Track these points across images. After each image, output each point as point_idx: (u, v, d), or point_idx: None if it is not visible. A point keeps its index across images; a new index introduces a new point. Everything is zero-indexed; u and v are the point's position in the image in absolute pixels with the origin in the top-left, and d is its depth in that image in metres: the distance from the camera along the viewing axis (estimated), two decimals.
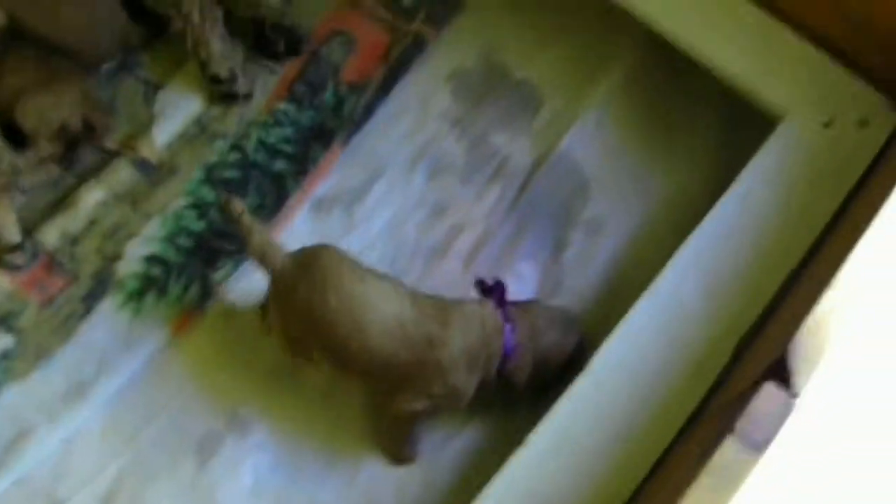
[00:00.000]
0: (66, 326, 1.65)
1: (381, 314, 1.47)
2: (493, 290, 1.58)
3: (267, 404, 1.63)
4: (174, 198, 1.73)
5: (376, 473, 1.59)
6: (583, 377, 1.44)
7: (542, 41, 1.88)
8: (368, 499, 1.59)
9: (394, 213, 1.76)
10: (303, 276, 1.49)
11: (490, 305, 1.56)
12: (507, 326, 1.53)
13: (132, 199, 1.74)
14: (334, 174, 1.78)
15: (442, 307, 1.53)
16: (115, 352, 1.65)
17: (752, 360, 1.35)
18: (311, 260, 1.51)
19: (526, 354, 1.53)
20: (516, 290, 1.66)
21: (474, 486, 1.41)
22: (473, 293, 1.61)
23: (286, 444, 1.61)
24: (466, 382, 1.52)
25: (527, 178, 1.79)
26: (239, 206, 1.54)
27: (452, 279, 1.71)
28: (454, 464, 1.60)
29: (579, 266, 1.73)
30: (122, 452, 1.60)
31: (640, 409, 1.41)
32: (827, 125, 1.59)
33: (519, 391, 1.57)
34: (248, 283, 1.69)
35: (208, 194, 1.73)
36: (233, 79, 1.78)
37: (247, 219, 1.53)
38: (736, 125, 1.75)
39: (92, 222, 1.72)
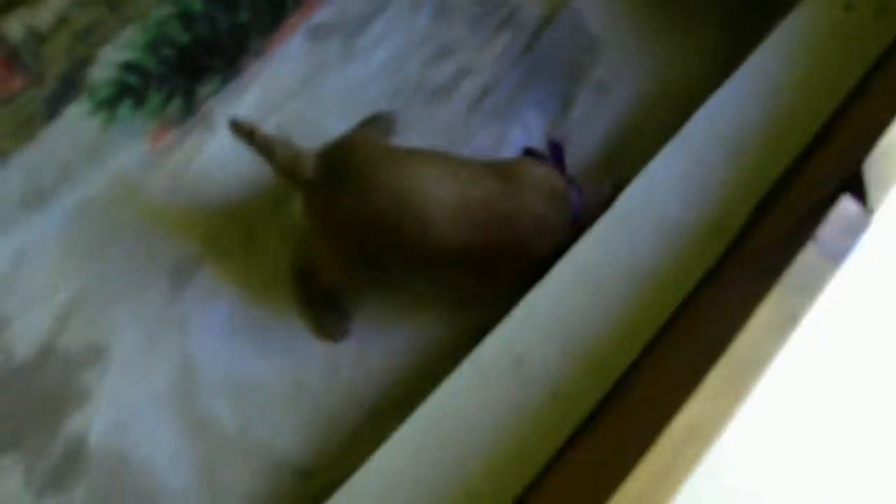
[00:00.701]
0: (27, 128, 1.45)
1: (439, 202, 1.31)
2: (551, 151, 1.49)
3: (248, 234, 1.49)
4: (157, 4, 1.53)
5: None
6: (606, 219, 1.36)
7: None
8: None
9: (396, 48, 1.63)
10: (339, 183, 1.31)
11: (551, 168, 1.46)
12: (574, 191, 1.44)
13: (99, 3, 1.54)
14: (334, 3, 1.64)
15: (507, 176, 1.38)
16: (81, 161, 1.47)
17: (815, 171, 1.30)
18: (343, 160, 1.32)
19: (585, 223, 1.43)
20: (523, 140, 1.59)
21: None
22: (479, 137, 1.51)
23: (262, 275, 1.48)
24: (547, 252, 1.39)
25: (536, 30, 1.70)
26: (246, 126, 1.34)
27: (454, 121, 1.60)
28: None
29: (586, 124, 1.65)
30: (82, 270, 1.43)
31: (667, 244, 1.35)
32: (847, 7, 1.58)
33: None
34: (236, 108, 1.55)
35: (196, 4, 1.54)
36: None
37: (261, 137, 1.34)
38: (754, 5, 1.71)
39: (61, 20, 1.50)
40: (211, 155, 1.51)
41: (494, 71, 1.65)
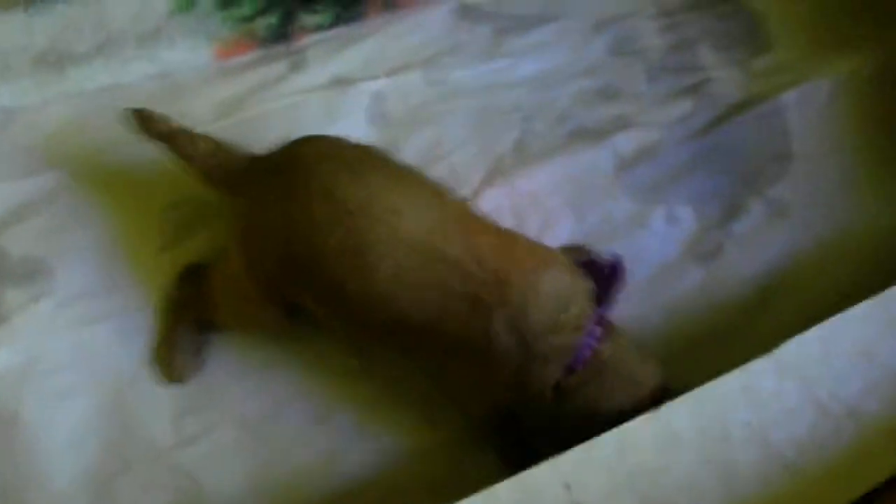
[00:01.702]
0: None
1: (399, 240, 0.92)
2: (609, 270, 1.06)
3: None
4: None
5: None
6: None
7: None
8: None
9: (553, 66, 1.31)
10: (275, 182, 0.96)
11: (584, 280, 1.02)
12: (595, 329, 1.00)
13: None
14: None
15: (510, 251, 0.97)
16: (126, 41, 1.17)
17: None
18: (289, 158, 0.98)
19: (589, 383, 1.00)
20: (661, 233, 1.25)
21: None
22: (609, 205, 1.16)
23: None
24: (540, 374, 0.98)
25: (726, 111, 1.35)
26: (147, 113, 1.04)
27: (589, 173, 1.25)
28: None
29: (746, 244, 1.27)
30: (69, 165, 1.13)
31: None
32: None
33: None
34: (335, 56, 1.24)
35: None
36: None
37: (164, 126, 1.04)
38: None
39: None
40: (282, 98, 1.20)
41: (661, 137, 1.30)
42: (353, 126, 1.20)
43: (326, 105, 1.19)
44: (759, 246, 1.29)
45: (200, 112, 1.17)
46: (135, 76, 1.16)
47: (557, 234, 1.24)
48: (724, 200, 1.31)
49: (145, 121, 1.03)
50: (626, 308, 1.17)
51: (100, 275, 1.07)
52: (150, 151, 1.07)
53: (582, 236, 1.24)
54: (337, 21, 1.25)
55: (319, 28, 1.24)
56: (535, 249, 1.00)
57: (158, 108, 1.13)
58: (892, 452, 0.98)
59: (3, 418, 1.00)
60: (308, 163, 0.95)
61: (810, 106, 1.39)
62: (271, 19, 1.22)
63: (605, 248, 1.19)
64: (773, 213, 1.32)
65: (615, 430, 0.95)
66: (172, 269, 1.09)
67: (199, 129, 1.12)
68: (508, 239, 0.99)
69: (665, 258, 1.25)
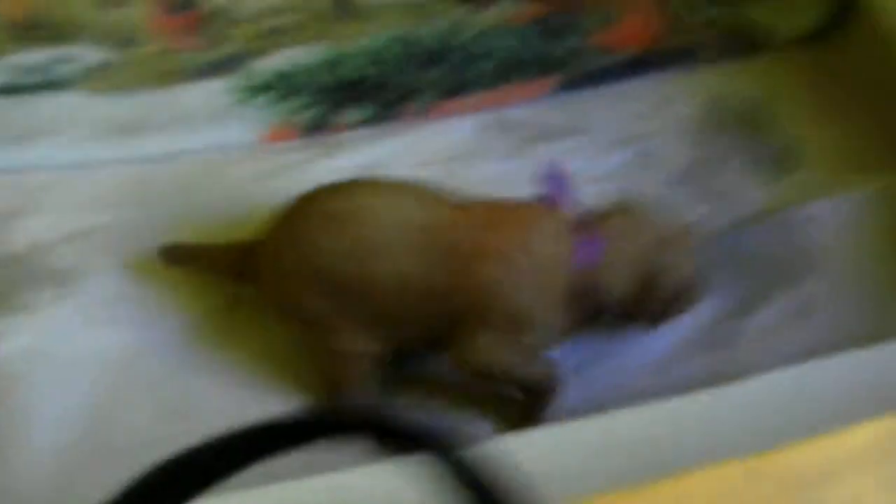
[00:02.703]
0: (164, 78, 1.43)
1: (392, 222, 1.07)
2: (550, 183, 1.16)
3: None
4: (357, 37, 1.48)
5: None
6: None
7: (832, 115, 1.50)
8: None
9: (575, 169, 1.36)
10: (278, 239, 1.12)
11: (558, 207, 1.14)
12: (585, 231, 1.11)
13: (311, 18, 1.50)
14: (531, 106, 1.47)
15: (491, 208, 1.11)
16: (195, 122, 1.40)
17: None
18: (281, 215, 1.14)
19: (616, 270, 1.09)
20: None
21: None
22: None
23: None
24: (544, 314, 1.08)
25: (746, 220, 1.37)
26: (174, 249, 1.23)
27: None
28: None
29: (761, 336, 1.26)
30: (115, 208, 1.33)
31: None
32: None
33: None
34: (370, 147, 1.40)
35: (394, 49, 1.47)
36: None
37: (191, 250, 1.22)
38: None
39: (261, 14, 1.49)
40: (310, 175, 1.33)
41: None
42: None
43: None
44: (777, 342, 1.26)
45: (238, 178, 1.35)
46: (190, 148, 1.38)
47: None
48: (739, 297, 1.30)
49: (173, 253, 1.21)
50: (637, 378, 1.21)
51: (130, 286, 1.23)
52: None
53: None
54: (374, 119, 1.42)
55: (357, 123, 1.42)
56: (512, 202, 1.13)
57: (204, 173, 1.36)
58: None
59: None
60: (299, 205, 1.12)
61: (836, 218, 1.38)
62: (314, 112, 1.41)
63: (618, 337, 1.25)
64: (795, 313, 1.28)
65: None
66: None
67: (234, 195, 1.33)
68: (489, 201, 1.12)
69: (675, 339, 1.25)
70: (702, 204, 1.39)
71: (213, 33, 1.47)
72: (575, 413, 1.11)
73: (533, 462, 0.84)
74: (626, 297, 1.11)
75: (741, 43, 1.59)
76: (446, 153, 1.41)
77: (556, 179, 1.17)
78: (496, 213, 1.10)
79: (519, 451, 0.81)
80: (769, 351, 1.25)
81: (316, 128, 1.41)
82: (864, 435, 0.78)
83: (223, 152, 1.38)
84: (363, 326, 1.08)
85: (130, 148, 1.36)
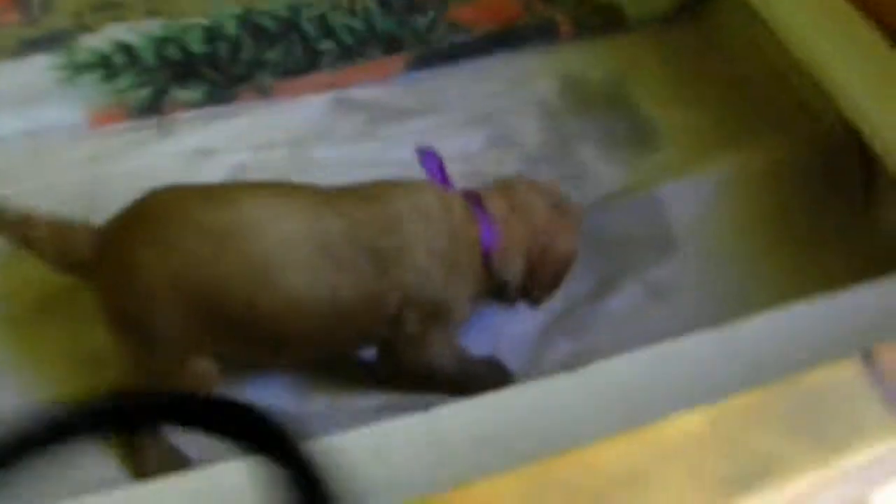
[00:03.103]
0: None
1: (284, 241, 0.95)
2: (425, 163, 1.11)
3: None
4: (193, 13, 1.41)
5: None
6: None
7: (688, 96, 1.48)
8: None
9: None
10: (134, 240, 0.96)
11: (447, 188, 1.09)
12: (477, 210, 1.06)
13: None
14: (380, 86, 1.41)
15: (378, 201, 1.02)
16: (11, 104, 1.28)
17: None
18: (139, 213, 0.99)
19: (511, 248, 1.08)
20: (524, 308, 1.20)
21: None
22: None
23: None
24: (455, 293, 1.04)
25: (601, 200, 1.34)
26: None
27: None
28: None
29: (618, 320, 1.23)
30: None
31: None
32: None
33: (511, 302, 1.14)
34: (204, 130, 1.31)
35: (232, 28, 1.39)
36: None
37: (11, 214, 1.03)
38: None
39: None
40: (142, 159, 1.27)
41: None
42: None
43: (186, 169, 1.25)
44: (633, 325, 1.23)
45: (64, 165, 1.25)
46: (7, 132, 1.26)
47: None
48: (594, 279, 1.28)
49: None
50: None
51: None
52: None
53: None
54: (209, 100, 1.34)
55: (190, 104, 1.33)
56: (391, 189, 1.04)
57: (28, 162, 1.25)
58: None
59: None
60: (161, 208, 0.97)
61: (692, 198, 1.36)
62: (145, 93, 1.32)
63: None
64: (653, 295, 1.26)
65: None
66: None
67: (60, 181, 1.22)
68: (366, 191, 1.03)
69: (527, 332, 1.22)
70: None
71: (37, 7, 1.36)
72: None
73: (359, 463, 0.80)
74: (518, 275, 1.10)
75: (598, 22, 1.56)
76: (289, 135, 1.33)
77: (431, 160, 1.12)
78: (396, 202, 1.02)
79: (347, 451, 0.77)
80: (627, 335, 1.22)
81: (146, 109, 1.31)
82: (675, 428, 0.73)
83: (45, 136, 1.27)
84: (229, 349, 0.99)
85: None
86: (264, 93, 1.36)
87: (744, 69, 1.50)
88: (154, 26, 1.37)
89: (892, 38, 1.33)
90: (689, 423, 0.74)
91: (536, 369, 1.16)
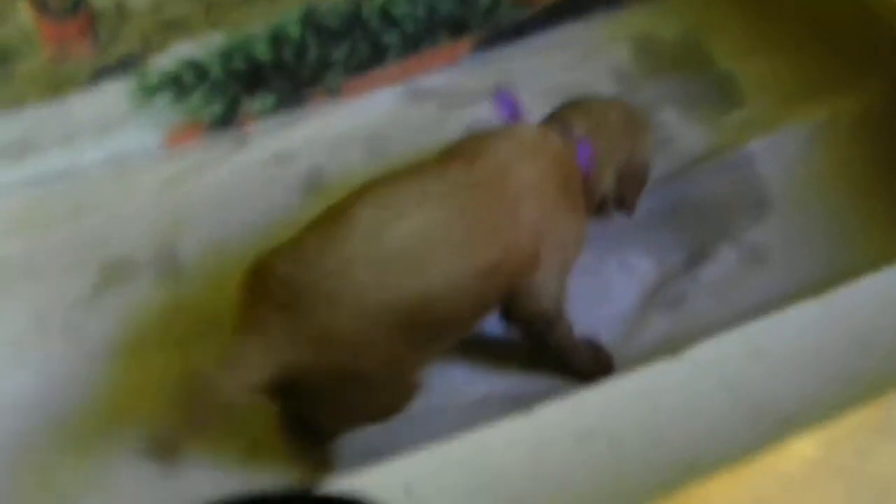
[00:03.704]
0: (59, 89, 1.33)
1: (418, 232, 0.97)
2: (502, 105, 1.15)
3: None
4: (254, 20, 1.40)
5: None
6: None
7: (768, 46, 1.42)
8: None
9: None
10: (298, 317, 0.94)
11: (536, 127, 1.13)
12: (568, 135, 1.11)
13: (212, 4, 1.42)
14: (449, 71, 1.39)
15: (483, 156, 1.03)
16: (93, 132, 1.31)
17: None
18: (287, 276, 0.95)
19: (602, 164, 1.12)
20: (618, 281, 1.20)
21: None
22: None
23: None
24: (578, 223, 1.10)
25: (691, 164, 1.30)
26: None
27: None
28: None
29: (715, 289, 1.18)
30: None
31: None
32: None
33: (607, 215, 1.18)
34: (280, 137, 1.32)
35: (295, 31, 1.38)
36: None
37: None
38: None
39: (154, 8, 1.41)
40: (222, 174, 1.28)
41: None
42: (288, 195, 1.25)
43: (264, 177, 1.26)
44: (733, 293, 1.20)
45: (147, 188, 1.27)
46: (89, 161, 1.28)
47: None
48: (690, 246, 1.23)
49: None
50: None
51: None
52: None
53: None
54: (279, 106, 1.34)
55: (262, 113, 1.33)
56: (490, 146, 1.07)
57: (110, 188, 1.27)
58: None
59: None
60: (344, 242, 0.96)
61: (784, 153, 1.31)
62: (217, 107, 1.33)
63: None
64: (750, 260, 1.22)
65: (474, 433, 0.88)
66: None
67: (144, 205, 1.25)
68: (468, 154, 1.05)
69: (623, 308, 1.19)
70: None
71: (106, 33, 1.38)
72: (520, 398, 1.04)
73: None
74: (611, 188, 1.15)
75: None
76: (362, 132, 1.32)
77: (507, 102, 1.15)
78: (500, 152, 1.05)
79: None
80: (725, 305, 1.17)
81: (220, 123, 1.33)
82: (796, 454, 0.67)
83: (125, 162, 1.30)
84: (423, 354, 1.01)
85: (22, 170, 1.28)
86: (333, 93, 1.36)
87: (824, 8, 1.43)
88: (218, 39, 1.37)
89: None
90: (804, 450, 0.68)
91: (636, 350, 1.13)
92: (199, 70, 1.35)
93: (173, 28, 1.40)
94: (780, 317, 1.03)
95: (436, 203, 0.99)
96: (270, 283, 0.93)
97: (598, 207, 1.15)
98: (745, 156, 1.31)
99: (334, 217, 0.97)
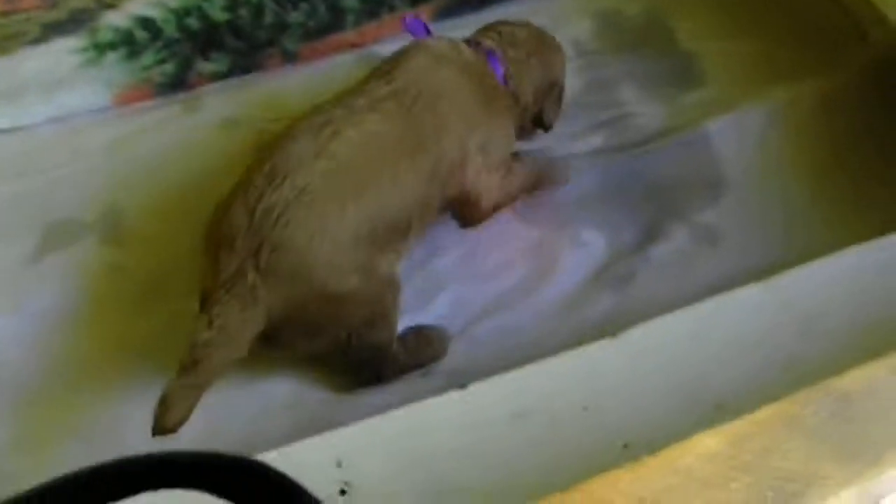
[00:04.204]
0: (7, 44, 1.29)
1: (358, 144, 1.01)
2: (411, 29, 1.24)
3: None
4: None
5: None
6: None
7: (732, 29, 1.41)
8: None
9: None
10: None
11: (446, 40, 1.19)
12: (475, 47, 1.19)
13: None
14: (406, 38, 1.36)
15: (400, 72, 1.10)
16: (36, 91, 1.27)
17: None
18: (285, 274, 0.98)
19: (518, 74, 1.20)
20: (569, 257, 1.19)
21: None
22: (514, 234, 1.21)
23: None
24: (501, 128, 1.16)
25: (646, 142, 1.28)
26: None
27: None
28: None
29: (665, 268, 1.18)
30: None
31: None
32: None
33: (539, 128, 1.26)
34: (231, 101, 1.30)
35: None
36: None
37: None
38: None
39: None
40: (172, 136, 1.25)
41: (574, 167, 1.26)
42: (236, 160, 1.22)
43: (213, 140, 1.23)
44: (684, 274, 1.19)
45: (94, 149, 1.25)
46: (35, 119, 1.26)
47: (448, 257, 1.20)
48: (642, 226, 1.22)
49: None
50: (535, 328, 1.14)
51: None
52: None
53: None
54: (233, 70, 1.32)
55: (216, 76, 1.31)
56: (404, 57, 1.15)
57: (56, 148, 1.25)
58: None
59: None
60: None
61: (741, 135, 1.30)
62: (169, 68, 1.30)
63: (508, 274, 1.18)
64: (703, 240, 1.22)
65: (407, 408, 0.88)
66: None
67: (90, 162, 1.23)
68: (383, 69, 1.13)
69: (572, 282, 1.18)
70: (599, 128, 1.31)
71: None
72: (462, 375, 1.04)
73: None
74: (530, 98, 1.21)
75: None
76: (314, 99, 1.28)
77: (418, 25, 1.23)
78: (410, 64, 1.11)
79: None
80: (673, 286, 1.16)
81: (171, 84, 1.30)
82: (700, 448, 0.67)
83: (72, 120, 1.27)
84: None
85: None
86: (290, 58, 1.34)
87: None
88: None
89: None
90: (708, 446, 0.68)
91: (581, 327, 1.11)
92: (152, 28, 1.31)
93: None
94: (723, 299, 1.04)
95: (364, 115, 1.04)
96: (233, 235, 0.94)
97: (521, 120, 1.22)
98: (702, 135, 1.30)
99: (273, 153, 1.00)
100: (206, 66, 1.31)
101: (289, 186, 0.96)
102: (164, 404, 0.90)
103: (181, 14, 1.33)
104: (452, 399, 0.88)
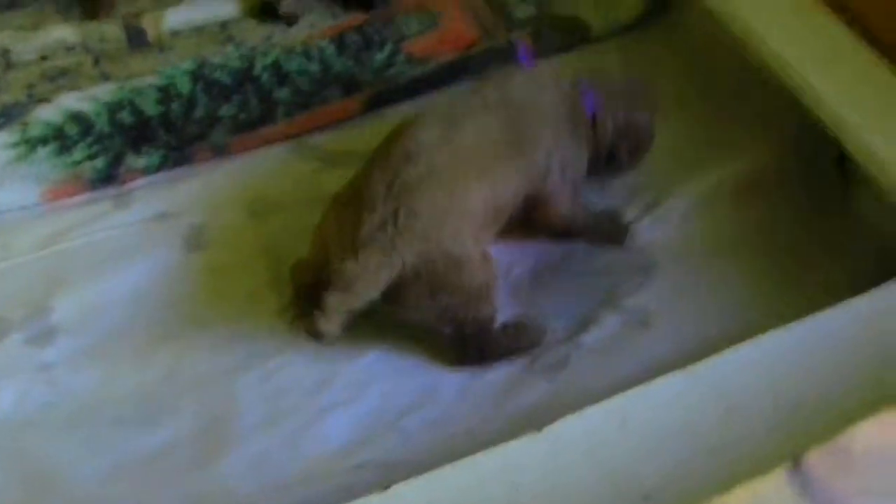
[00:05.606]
0: None
1: (476, 137, 1.21)
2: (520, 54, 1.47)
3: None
4: (146, 72, 1.39)
5: None
6: None
7: (665, 106, 1.43)
8: None
9: None
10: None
11: (551, 71, 1.42)
12: (582, 82, 1.33)
13: (102, 55, 1.42)
14: (342, 127, 1.40)
15: (512, 87, 1.29)
16: None
17: None
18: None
19: (603, 113, 1.32)
20: None
21: None
22: None
23: None
24: (579, 154, 1.30)
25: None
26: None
27: None
28: None
29: (599, 354, 1.19)
30: None
31: None
32: None
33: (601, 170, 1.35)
34: (163, 197, 1.30)
35: (185, 86, 1.37)
36: None
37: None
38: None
39: (42, 56, 1.40)
40: (102, 232, 1.26)
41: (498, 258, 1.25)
42: (169, 254, 1.24)
43: (145, 235, 1.24)
44: (616, 358, 1.20)
45: (23, 245, 1.24)
46: None
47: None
48: (573, 314, 1.24)
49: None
50: (471, 416, 1.15)
51: None
52: None
53: None
54: (164, 164, 1.32)
55: (147, 171, 1.32)
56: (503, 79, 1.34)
57: None
58: None
59: None
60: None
61: (669, 221, 1.33)
62: (99, 163, 1.31)
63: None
64: (635, 324, 1.23)
65: None
66: None
67: (19, 259, 1.23)
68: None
69: (501, 375, 1.18)
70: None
71: None
72: (392, 468, 1.04)
73: None
74: (610, 142, 1.33)
75: (561, 38, 1.53)
76: (246, 192, 1.31)
77: (528, 53, 1.45)
78: (521, 83, 1.30)
79: None
80: (604, 371, 1.17)
81: (102, 179, 1.30)
82: None
83: (2, 217, 1.27)
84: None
85: None
86: (220, 151, 1.35)
87: (710, 81, 1.47)
88: (106, 91, 1.35)
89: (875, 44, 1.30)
90: None
91: (512, 417, 1.13)
92: (83, 123, 1.32)
93: (60, 78, 1.38)
94: (648, 387, 1.05)
95: (480, 113, 1.24)
96: (374, 200, 1.14)
97: (597, 155, 1.33)
98: (631, 222, 1.33)
99: (403, 140, 1.20)
100: (137, 161, 1.31)
101: (424, 165, 1.16)
102: (322, 314, 1.11)
103: (113, 108, 1.34)
104: (372, 501, 0.88)
